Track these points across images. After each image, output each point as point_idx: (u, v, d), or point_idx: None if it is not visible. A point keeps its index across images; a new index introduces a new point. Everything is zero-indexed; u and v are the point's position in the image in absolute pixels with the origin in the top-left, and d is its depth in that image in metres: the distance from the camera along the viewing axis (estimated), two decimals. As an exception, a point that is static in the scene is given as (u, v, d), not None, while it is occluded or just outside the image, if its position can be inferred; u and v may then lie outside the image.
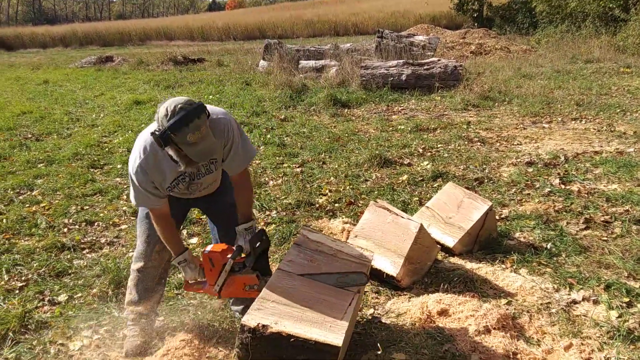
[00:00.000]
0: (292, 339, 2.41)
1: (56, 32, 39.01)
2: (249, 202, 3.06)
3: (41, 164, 6.87)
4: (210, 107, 2.63)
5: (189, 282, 3.05)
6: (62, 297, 3.67)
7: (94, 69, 17.89)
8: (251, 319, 2.45)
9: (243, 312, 3.02)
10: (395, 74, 10.94)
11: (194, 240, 4.53)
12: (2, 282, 3.88)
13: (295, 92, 10.88)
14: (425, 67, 11.04)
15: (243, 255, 2.92)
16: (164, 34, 37.98)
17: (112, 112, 10.26)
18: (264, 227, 4.37)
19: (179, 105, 2.46)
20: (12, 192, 5.82)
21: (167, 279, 3.45)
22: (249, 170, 3.07)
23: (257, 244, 2.90)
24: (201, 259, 2.98)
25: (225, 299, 3.35)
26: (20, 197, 5.69)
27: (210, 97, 11.34)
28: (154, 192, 2.72)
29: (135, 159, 2.67)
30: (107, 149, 7.52)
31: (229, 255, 2.86)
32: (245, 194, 3.01)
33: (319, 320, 2.52)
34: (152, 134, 2.51)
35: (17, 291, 3.78)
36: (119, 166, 6.68)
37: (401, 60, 11.37)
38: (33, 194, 5.80)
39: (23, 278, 3.95)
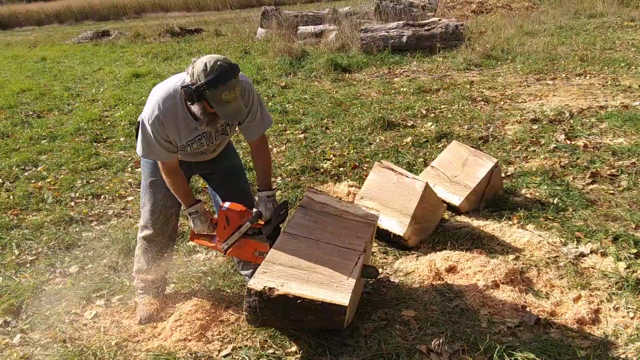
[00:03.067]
0: (299, 301, 2.43)
1: (51, 8, 38.45)
2: (269, 169, 3.08)
3: (44, 140, 6.86)
4: None
5: (195, 233, 3.06)
6: (73, 269, 3.71)
7: (91, 44, 17.68)
8: (258, 283, 2.47)
9: (252, 275, 3.05)
10: (395, 36, 10.79)
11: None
12: (14, 257, 3.91)
13: (295, 58, 10.76)
14: (426, 27, 10.87)
15: (260, 222, 2.92)
16: (160, 5, 37.40)
17: (112, 86, 10.19)
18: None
19: (219, 62, 2.46)
20: (17, 169, 5.82)
21: (175, 246, 3.47)
22: (266, 138, 3.07)
23: (278, 215, 2.91)
24: (212, 214, 2.97)
25: (230, 258, 3.36)
26: (26, 174, 5.69)
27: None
28: (166, 146, 2.70)
29: (152, 109, 2.63)
30: (109, 123, 7.50)
31: (247, 219, 2.86)
32: (264, 161, 3.04)
33: (325, 280, 2.54)
34: (186, 87, 2.49)
35: (28, 265, 3.81)
36: (121, 139, 6.67)
37: (401, 22, 11.18)
38: (38, 169, 5.80)
39: (33, 252, 3.99)
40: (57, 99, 9.40)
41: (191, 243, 3.67)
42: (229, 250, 2.91)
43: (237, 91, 2.51)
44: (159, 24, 19.55)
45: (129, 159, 5.95)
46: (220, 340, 2.82)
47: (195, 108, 2.56)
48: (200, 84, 2.44)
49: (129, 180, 5.30)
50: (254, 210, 2.95)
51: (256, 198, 3.03)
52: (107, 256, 3.83)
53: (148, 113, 2.65)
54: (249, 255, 2.92)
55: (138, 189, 4.98)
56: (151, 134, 2.65)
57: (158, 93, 2.67)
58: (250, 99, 2.80)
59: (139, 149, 2.79)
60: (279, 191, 4.71)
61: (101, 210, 4.67)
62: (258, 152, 3.03)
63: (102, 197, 4.97)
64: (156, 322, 3.03)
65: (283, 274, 2.55)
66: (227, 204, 2.88)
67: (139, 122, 2.92)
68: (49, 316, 3.18)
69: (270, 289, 2.45)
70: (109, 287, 3.45)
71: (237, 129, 3.02)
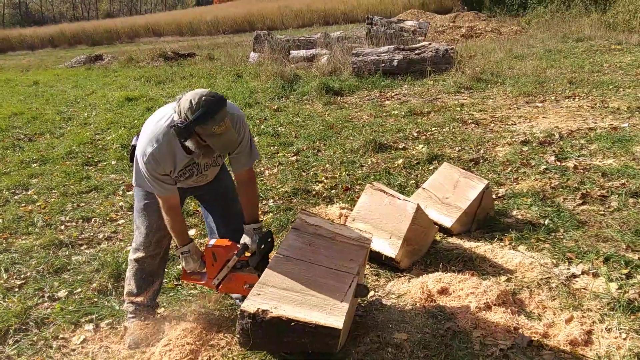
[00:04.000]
0: (293, 323, 2.41)
1: (44, 33, 38.66)
2: (256, 201, 3.09)
3: (35, 164, 6.84)
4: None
5: (187, 272, 3.06)
6: (62, 293, 3.66)
7: (84, 68, 17.76)
8: (251, 305, 2.45)
9: (243, 300, 3.03)
10: (386, 59, 10.90)
11: (192, 232, 4.51)
12: (1, 281, 3.86)
13: (287, 82, 10.83)
14: (417, 51, 11.00)
15: (247, 254, 2.93)
16: (153, 30, 37.69)
17: (104, 109, 10.20)
18: (269, 229, 4.32)
19: (204, 97, 2.47)
20: (7, 192, 5.78)
21: (166, 269, 3.44)
22: (254, 171, 3.09)
23: (263, 246, 2.92)
24: (203, 252, 2.98)
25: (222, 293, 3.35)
26: (16, 197, 5.66)
27: (202, 90, 11.25)
28: (162, 178, 2.72)
29: (146, 147, 2.64)
30: (100, 146, 7.48)
31: (234, 252, 2.87)
32: (251, 193, 3.05)
33: (319, 303, 2.52)
34: (175, 126, 2.51)
35: (16, 289, 3.77)
36: (113, 162, 6.65)
37: (392, 46, 11.31)
38: (28, 193, 5.77)
39: (22, 276, 3.94)
40: (48, 122, 9.39)
41: (183, 282, 3.65)
42: (220, 287, 2.93)
43: (227, 122, 2.52)
44: (152, 48, 19.70)
45: (120, 182, 5.93)
46: (210, 365, 2.78)
47: (188, 144, 2.57)
48: (189, 122, 2.46)
49: (120, 203, 5.27)
50: (241, 243, 2.96)
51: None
52: (96, 280, 3.78)
53: (141, 152, 2.67)
54: (239, 288, 2.95)
55: (129, 212, 4.96)
56: (147, 171, 2.67)
57: (150, 130, 2.69)
58: (241, 131, 2.82)
59: (134, 179, 2.81)
60: (271, 213, 4.70)
61: (91, 234, 4.64)
62: (246, 184, 3.03)
63: (93, 220, 4.94)
64: (145, 347, 2.99)
65: (276, 296, 2.53)
66: (212, 241, 2.93)
67: (133, 146, 2.93)
68: (36, 341, 3.13)
69: (263, 311, 2.44)
70: (98, 311, 3.40)
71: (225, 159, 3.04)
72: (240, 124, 2.80)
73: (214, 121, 2.44)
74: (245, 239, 2.96)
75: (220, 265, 2.89)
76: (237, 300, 3.31)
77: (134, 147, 2.94)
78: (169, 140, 2.64)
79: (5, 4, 62.05)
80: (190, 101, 2.47)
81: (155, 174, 2.68)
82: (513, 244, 3.82)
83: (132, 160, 2.99)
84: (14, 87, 14.55)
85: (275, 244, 3.09)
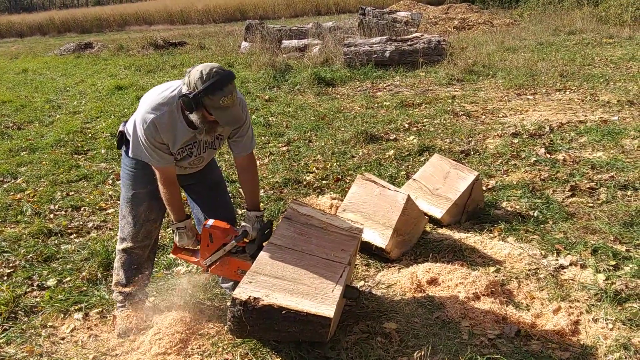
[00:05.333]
0: (284, 311, 2.42)
1: (33, 20, 38.19)
2: (257, 188, 3.08)
3: (24, 152, 6.78)
4: None
5: (178, 247, 3.03)
6: (51, 282, 3.64)
7: (74, 56, 17.59)
8: (242, 292, 2.46)
9: (233, 289, 3.02)
10: (378, 50, 10.88)
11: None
12: (-10, 270, 3.84)
13: (278, 72, 10.80)
14: (409, 43, 10.99)
15: (245, 240, 2.92)
16: (143, 18, 37.34)
17: (94, 98, 10.12)
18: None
19: (214, 69, 2.47)
20: (-5, 180, 5.74)
21: (156, 259, 3.44)
22: (254, 157, 3.07)
23: (263, 234, 2.92)
24: (198, 231, 2.97)
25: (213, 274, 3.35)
26: (4, 186, 5.61)
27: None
28: (160, 147, 2.67)
29: (146, 114, 2.60)
30: (90, 135, 7.42)
31: (232, 237, 2.86)
32: (253, 179, 3.04)
33: (311, 292, 2.53)
34: (183, 96, 2.48)
35: (5, 277, 3.74)
36: (102, 151, 6.61)
37: (384, 37, 11.29)
38: (17, 182, 5.72)
39: (11, 265, 3.91)
40: (37, 110, 9.30)
41: (172, 256, 3.64)
42: (211, 268, 2.91)
43: (235, 96, 2.51)
44: (143, 36, 19.53)
45: (110, 171, 5.89)
46: (200, 354, 2.78)
47: (194, 117, 2.55)
48: (198, 92, 2.44)
49: (110, 192, 5.25)
50: (241, 228, 2.94)
51: (244, 218, 3.02)
52: (86, 269, 3.77)
53: (141, 119, 2.62)
54: (231, 273, 2.92)
55: (118, 201, 4.93)
56: (145, 138, 2.62)
57: (152, 99, 2.65)
58: (244, 113, 2.80)
59: (130, 150, 2.76)
60: (262, 203, 4.70)
61: (81, 223, 4.62)
62: (247, 170, 3.02)
63: (82, 209, 4.91)
64: (135, 336, 2.99)
65: (268, 284, 2.53)
66: (210, 222, 2.88)
67: (120, 132, 2.90)
68: (25, 330, 3.12)
69: (255, 298, 2.44)
70: (87, 300, 3.39)
71: (225, 143, 3.00)
72: (243, 105, 2.79)
73: (222, 93, 2.44)
74: (245, 226, 2.95)
75: (215, 247, 2.86)
76: (227, 290, 3.31)
77: (122, 132, 2.91)
78: (172, 110, 2.61)
79: (-7, -10, 61.27)
80: (201, 71, 2.47)
81: (154, 142, 2.63)
82: (502, 235, 3.85)
83: (119, 147, 2.96)
84: (2, 75, 14.40)
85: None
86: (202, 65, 2.52)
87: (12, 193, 5.36)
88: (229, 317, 2.48)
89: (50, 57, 18.13)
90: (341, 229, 2.96)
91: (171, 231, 3.72)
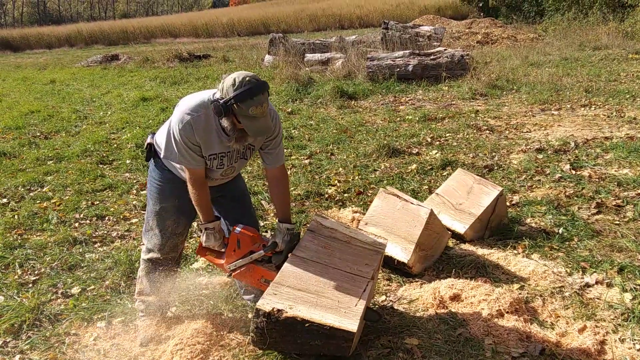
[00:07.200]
0: (307, 324, 2.42)
1: (61, 32, 39.06)
2: (288, 200, 3.07)
3: (50, 161, 6.90)
4: None
5: (204, 247, 3.03)
6: (75, 290, 3.69)
7: (100, 68, 17.93)
8: (266, 304, 2.46)
9: (255, 302, 3.03)
10: (401, 64, 10.89)
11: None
12: (16, 276, 3.90)
13: (301, 85, 10.87)
14: (432, 57, 10.98)
15: (274, 250, 2.92)
16: (169, 31, 37.96)
17: (120, 109, 10.29)
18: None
19: (247, 78, 2.51)
20: (22, 189, 5.84)
21: (179, 269, 3.46)
22: (286, 169, 3.08)
23: (291, 247, 2.92)
24: (226, 235, 2.97)
25: (232, 282, 3.35)
26: (31, 194, 5.72)
27: (217, 92, 11.32)
28: (194, 149, 2.68)
29: (184, 115, 2.62)
30: (115, 145, 7.54)
31: (261, 246, 2.86)
32: (284, 191, 3.04)
33: (334, 305, 2.53)
34: (214, 101, 2.52)
35: (30, 285, 3.80)
36: (127, 161, 6.70)
37: (407, 51, 11.31)
38: (43, 190, 5.82)
39: (36, 272, 3.98)
40: (64, 120, 9.48)
41: (200, 258, 3.65)
42: (234, 273, 2.91)
43: (265, 108, 2.53)
44: (168, 49, 19.84)
45: (135, 181, 5.97)
46: (221, 365, 2.79)
47: (225, 123, 2.58)
48: (229, 98, 2.47)
49: (134, 202, 5.31)
50: (270, 239, 2.95)
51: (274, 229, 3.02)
52: (109, 278, 3.81)
53: (178, 118, 2.64)
54: (254, 281, 2.91)
55: (143, 211, 4.99)
56: (180, 137, 2.63)
57: (189, 102, 2.68)
58: (277, 125, 2.82)
59: (164, 153, 2.77)
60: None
61: (105, 232, 4.67)
62: (278, 182, 3.01)
63: (107, 218, 4.98)
64: (156, 345, 3.00)
65: (292, 296, 2.54)
66: (239, 227, 2.88)
67: (149, 144, 2.93)
68: (49, 337, 3.16)
69: (278, 310, 2.44)
70: (111, 309, 3.42)
71: (257, 154, 3.01)
72: (276, 119, 2.80)
73: (252, 102, 2.46)
74: (277, 237, 2.94)
75: (241, 253, 2.86)
76: (249, 302, 3.32)
77: (150, 145, 2.94)
78: (208, 114, 2.63)
79: (24, 3, 62.76)
80: (234, 79, 2.50)
81: (188, 142, 2.64)
82: (526, 252, 3.80)
83: (148, 159, 2.99)
84: (31, 85, 14.72)
85: None
86: (236, 73, 2.55)
87: (38, 201, 5.45)
88: (251, 328, 2.49)
89: (78, 69, 18.50)
90: (365, 243, 2.95)
91: (199, 230, 3.74)
